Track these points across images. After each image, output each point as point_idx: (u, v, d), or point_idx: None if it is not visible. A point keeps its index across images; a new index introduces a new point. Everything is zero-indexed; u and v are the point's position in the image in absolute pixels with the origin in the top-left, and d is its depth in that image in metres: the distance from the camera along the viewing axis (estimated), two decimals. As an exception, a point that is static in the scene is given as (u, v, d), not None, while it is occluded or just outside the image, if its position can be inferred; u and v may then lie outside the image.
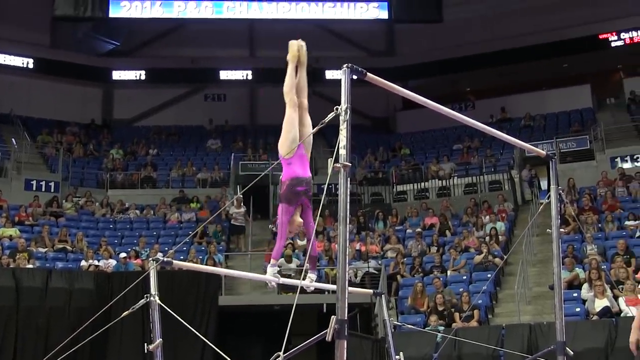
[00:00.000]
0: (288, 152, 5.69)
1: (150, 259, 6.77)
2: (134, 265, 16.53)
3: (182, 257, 16.56)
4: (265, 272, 6.11)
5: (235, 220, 19.37)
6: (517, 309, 14.15)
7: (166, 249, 16.73)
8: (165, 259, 6.77)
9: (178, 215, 20.24)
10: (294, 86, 5.88)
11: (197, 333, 5.97)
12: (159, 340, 6.20)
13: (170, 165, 24.28)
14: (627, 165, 20.69)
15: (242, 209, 19.45)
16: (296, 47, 5.89)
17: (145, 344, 6.23)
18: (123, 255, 16.69)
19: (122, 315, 6.34)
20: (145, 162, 24.09)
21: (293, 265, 16.25)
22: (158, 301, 6.26)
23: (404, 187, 22.65)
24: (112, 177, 22.98)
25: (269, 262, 6.03)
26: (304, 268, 6.06)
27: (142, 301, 6.25)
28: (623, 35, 26.37)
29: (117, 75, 28.84)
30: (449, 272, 16.09)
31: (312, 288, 6.25)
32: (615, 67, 27.66)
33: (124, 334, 13.95)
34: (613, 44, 26.54)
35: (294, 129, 5.80)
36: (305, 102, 5.94)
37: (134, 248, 17.51)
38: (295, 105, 5.82)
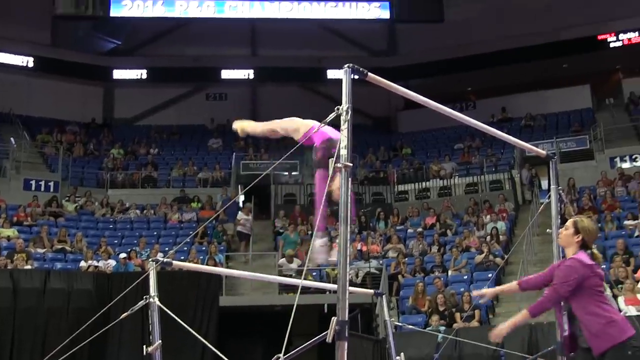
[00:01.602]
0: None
1: (150, 259, 6.72)
2: (134, 266, 16.46)
3: (182, 257, 16.52)
4: (266, 273, 6.05)
5: (243, 227, 19.11)
6: (518, 309, 14.10)
7: (167, 249, 16.69)
8: (165, 260, 6.74)
9: (179, 215, 20.19)
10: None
11: (197, 335, 5.93)
12: (158, 342, 6.15)
13: (171, 165, 24.23)
14: (626, 165, 20.77)
15: (250, 217, 19.32)
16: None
17: (145, 345, 6.19)
18: (123, 255, 16.59)
19: (121, 317, 6.29)
20: (146, 161, 24.04)
21: (294, 266, 16.21)
22: (158, 302, 6.22)
23: (405, 186, 22.62)
24: (113, 176, 22.91)
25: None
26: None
27: (141, 302, 6.21)
28: (621, 36, 26.44)
29: (118, 74, 28.77)
30: (450, 272, 16.07)
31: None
32: (614, 67, 27.62)
33: (123, 335, 13.89)
34: (612, 45, 26.59)
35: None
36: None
37: (134, 248, 17.38)
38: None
